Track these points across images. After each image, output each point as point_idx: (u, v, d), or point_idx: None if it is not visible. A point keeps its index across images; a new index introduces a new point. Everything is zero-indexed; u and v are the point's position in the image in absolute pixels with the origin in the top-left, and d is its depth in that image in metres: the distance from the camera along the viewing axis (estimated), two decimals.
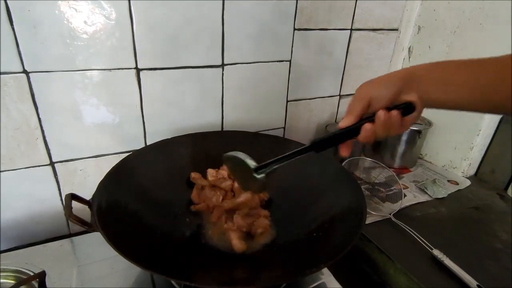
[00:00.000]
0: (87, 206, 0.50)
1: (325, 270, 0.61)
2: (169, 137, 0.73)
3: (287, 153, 0.46)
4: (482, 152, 0.95)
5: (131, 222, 0.54)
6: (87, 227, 0.44)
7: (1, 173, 0.65)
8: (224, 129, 0.85)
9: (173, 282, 0.53)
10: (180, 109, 0.78)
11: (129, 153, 0.67)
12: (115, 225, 0.48)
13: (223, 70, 0.79)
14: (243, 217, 0.59)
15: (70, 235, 0.74)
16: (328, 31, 0.88)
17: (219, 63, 0.78)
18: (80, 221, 0.43)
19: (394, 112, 0.42)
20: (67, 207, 0.44)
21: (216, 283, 0.47)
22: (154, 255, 0.50)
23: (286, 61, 0.86)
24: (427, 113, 0.96)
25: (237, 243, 0.55)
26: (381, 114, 0.41)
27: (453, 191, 0.89)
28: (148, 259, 0.45)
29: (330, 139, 0.44)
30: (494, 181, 0.94)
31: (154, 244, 0.54)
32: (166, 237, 0.58)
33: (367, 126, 0.42)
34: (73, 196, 0.47)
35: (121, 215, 0.53)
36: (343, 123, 0.44)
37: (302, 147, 0.45)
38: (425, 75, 0.44)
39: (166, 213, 0.62)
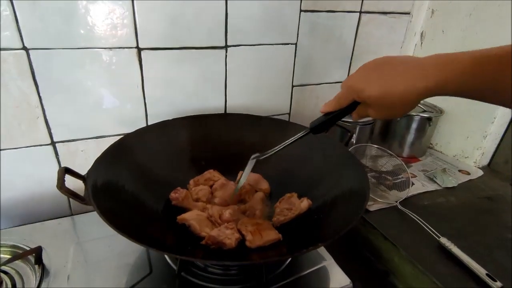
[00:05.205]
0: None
1: (327, 255, 0.60)
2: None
3: (290, 139, 0.51)
4: (496, 142, 0.91)
5: (126, 199, 0.53)
6: (79, 200, 0.43)
7: (2, 151, 0.65)
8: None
9: (166, 256, 0.52)
10: (182, 91, 0.77)
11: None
12: (110, 201, 0.48)
13: (226, 52, 0.77)
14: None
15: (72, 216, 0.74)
16: (336, 13, 0.85)
17: (222, 44, 0.76)
18: (72, 193, 0.42)
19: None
20: (60, 180, 0.43)
21: (210, 257, 0.46)
22: (148, 231, 0.49)
23: (291, 44, 0.84)
24: (438, 100, 0.93)
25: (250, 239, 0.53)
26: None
27: (464, 181, 0.86)
28: (142, 234, 0.45)
29: (327, 122, 0.48)
30: (508, 171, 0.90)
31: (148, 221, 0.53)
32: (162, 216, 0.57)
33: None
34: (67, 170, 0.47)
35: (116, 192, 0.52)
36: (327, 108, 0.48)
37: (302, 132, 0.50)
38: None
39: (163, 193, 0.61)
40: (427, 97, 0.41)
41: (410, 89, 0.39)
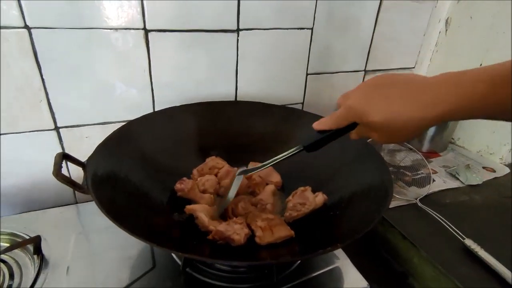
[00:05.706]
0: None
1: (341, 254, 0.56)
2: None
3: (279, 156, 0.48)
4: None
5: (129, 189, 0.50)
6: (77, 189, 0.40)
7: (3, 135, 0.62)
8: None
9: (173, 254, 0.49)
10: (191, 76, 0.73)
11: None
12: (111, 191, 0.45)
13: (238, 36, 0.73)
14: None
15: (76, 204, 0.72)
16: None
17: (234, 27, 0.71)
18: (68, 181, 0.39)
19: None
20: (56, 166, 0.40)
21: (218, 255, 0.43)
22: (151, 224, 0.46)
23: (307, 29, 0.79)
24: None
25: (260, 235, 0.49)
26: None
27: (488, 178, 0.80)
28: (145, 227, 0.41)
29: (321, 142, 0.45)
30: None
31: (152, 213, 0.50)
32: (166, 207, 0.54)
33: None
34: (65, 156, 0.43)
35: (118, 181, 0.49)
36: (323, 126, 0.44)
37: (295, 149, 0.47)
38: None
39: (168, 183, 0.58)
40: (435, 125, 0.38)
41: (418, 117, 0.36)
